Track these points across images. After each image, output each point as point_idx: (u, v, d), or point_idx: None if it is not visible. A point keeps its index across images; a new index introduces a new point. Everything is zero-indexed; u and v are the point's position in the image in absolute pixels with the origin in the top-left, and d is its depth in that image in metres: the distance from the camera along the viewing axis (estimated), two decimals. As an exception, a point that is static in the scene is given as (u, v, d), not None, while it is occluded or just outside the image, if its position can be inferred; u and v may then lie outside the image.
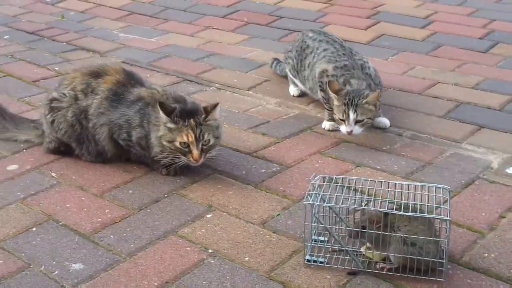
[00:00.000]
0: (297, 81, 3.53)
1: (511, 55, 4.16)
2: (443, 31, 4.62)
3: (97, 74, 2.89)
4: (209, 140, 2.64)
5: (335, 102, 2.99)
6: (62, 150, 2.93)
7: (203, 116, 2.64)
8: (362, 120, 2.94)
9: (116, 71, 2.90)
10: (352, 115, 2.92)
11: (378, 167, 2.79)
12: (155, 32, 4.95)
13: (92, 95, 2.82)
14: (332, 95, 2.99)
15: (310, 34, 3.42)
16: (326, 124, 3.18)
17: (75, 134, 2.83)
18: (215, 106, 2.67)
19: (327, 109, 3.19)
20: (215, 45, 4.60)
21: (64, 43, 4.72)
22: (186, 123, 2.60)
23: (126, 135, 2.75)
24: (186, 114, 2.62)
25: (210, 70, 4.08)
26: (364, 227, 2.06)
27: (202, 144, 2.61)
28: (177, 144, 2.61)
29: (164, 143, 2.63)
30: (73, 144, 2.87)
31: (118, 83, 2.84)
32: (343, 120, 2.95)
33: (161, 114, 2.59)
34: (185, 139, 2.59)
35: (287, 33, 4.78)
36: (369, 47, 4.40)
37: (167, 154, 2.65)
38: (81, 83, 2.86)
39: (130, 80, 2.88)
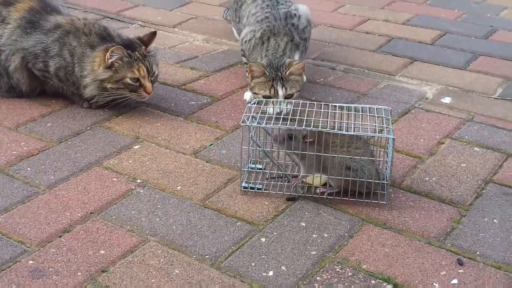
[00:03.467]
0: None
1: (439, -6, 4.13)
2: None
3: (7, 2, 2.62)
4: (154, 71, 2.47)
5: (256, 80, 2.49)
6: (-29, 85, 2.67)
7: (143, 47, 2.45)
8: (292, 95, 2.49)
9: (29, -2, 2.64)
10: (281, 91, 2.46)
11: (313, 98, 2.68)
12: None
13: (3, 25, 2.56)
14: (253, 81, 2.51)
15: None
16: (248, 96, 2.66)
17: (-15, 65, 2.57)
18: (152, 35, 2.49)
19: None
20: (136, -16, 4.34)
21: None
22: (134, 58, 2.40)
23: (43, 65, 2.51)
24: (127, 48, 2.41)
25: (132, 8, 3.85)
26: (291, 137, 1.93)
27: (150, 76, 2.44)
28: (128, 80, 2.40)
29: (110, 85, 2.41)
30: (-16, 77, 2.61)
31: (31, 10, 2.59)
32: (269, 97, 2.45)
33: (109, 55, 2.37)
34: (136, 74, 2.40)
35: (212, -28, 4.57)
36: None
37: (108, 94, 2.45)
38: (-10, 12, 2.59)
39: (46, 7, 2.63)
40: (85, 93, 2.48)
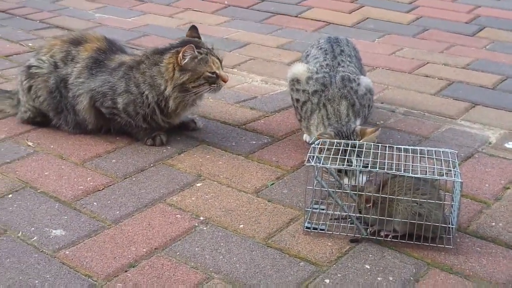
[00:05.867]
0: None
1: (498, 38, 4.10)
2: (429, 16, 4.54)
3: (77, 41, 2.72)
4: (221, 60, 2.61)
5: (325, 152, 2.05)
6: (38, 120, 2.75)
7: (202, 42, 2.60)
8: (367, 165, 2.00)
9: (97, 38, 2.74)
10: (356, 163, 2.13)
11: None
12: (132, 13, 4.79)
13: (72, 63, 2.65)
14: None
15: (321, 41, 2.75)
16: (307, 137, 2.59)
17: (54, 102, 2.65)
18: (194, 28, 2.66)
19: (299, 120, 2.60)
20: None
21: (38, 21, 4.53)
22: (205, 53, 2.52)
23: (111, 103, 2.58)
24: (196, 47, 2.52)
25: (192, 49, 3.92)
26: (360, 211, 1.97)
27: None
28: (207, 74, 2.51)
29: (192, 85, 2.50)
30: (51, 113, 2.69)
31: (98, 50, 2.67)
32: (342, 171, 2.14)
33: (182, 56, 2.46)
34: (213, 67, 2.52)
35: (269, 15, 4.66)
36: (354, 30, 4.30)
37: (190, 95, 2.53)
38: (61, 51, 2.68)
39: (112, 47, 2.72)
40: (170, 106, 2.54)
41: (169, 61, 2.50)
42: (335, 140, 2.14)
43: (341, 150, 2.11)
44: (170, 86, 2.50)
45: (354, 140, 2.22)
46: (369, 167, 1.95)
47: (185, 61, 2.46)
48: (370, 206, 1.94)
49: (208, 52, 2.54)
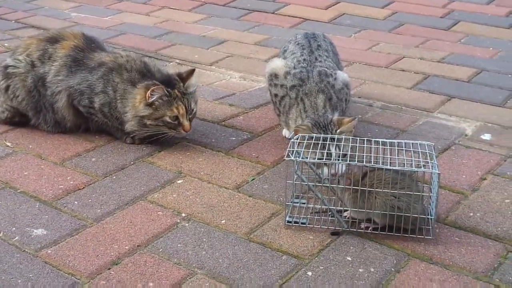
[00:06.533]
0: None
1: (473, 32, 4.15)
2: (404, 11, 4.58)
3: (54, 39, 2.70)
4: (193, 109, 2.52)
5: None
6: (16, 120, 2.74)
7: (181, 84, 2.50)
8: (346, 154, 2.06)
9: (74, 36, 2.72)
10: (334, 152, 2.14)
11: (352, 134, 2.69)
12: (108, 12, 4.76)
13: (49, 62, 2.64)
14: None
15: (298, 36, 2.75)
16: (287, 132, 2.63)
17: (32, 101, 2.64)
18: (191, 72, 2.53)
19: (278, 115, 2.62)
20: (172, 23, 4.45)
21: (13, 21, 4.49)
22: (173, 96, 2.45)
23: (88, 101, 2.57)
24: (166, 84, 2.46)
25: (170, 47, 3.93)
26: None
27: (189, 114, 2.48)
28: (167, 119, 2.45)
29: (149, 122, 2.46)
30: (30, 113, 2.67)
31: (76, 48, 2.66)
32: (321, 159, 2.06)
33: (152, 94, 2.42)
34: (175, 112, 2.44)
35: (246, 12, 4.67)
36: (330, 25, 4.33)
37: (147, 130, 2.49)
38: (37, 50, 2.67)
39: (90, 44, 2.70)
40: (126, 128, 2.52)
41: (139, 92, 2.47)
42: (314, 134, 2.16)
43: (320, 141, 2.12)
44: (131, 113, 2.48)
45: (332, 129, 2.24)
46: (348, 157, 1.97)
47: (151, 99, 2.43)
48: (348, 188, 1.95)
49: (177, 97, 2.46)
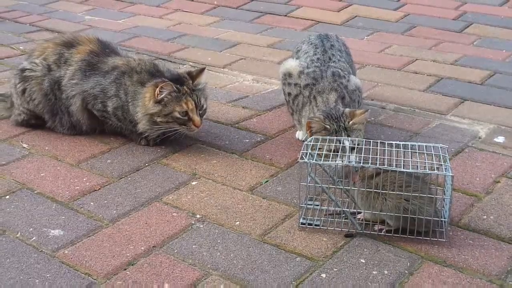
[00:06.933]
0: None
1: (486, 34, 4.15)
2: (416, 13, 4.59)
3: (69, 44, 2.73)
4: (203, 105, 2.53)
5: (316, 135, 2.22)
6: (33, 123, 2.77)
7: (190, 81, 2.52)
8: (358, 146, 2.15)
9: (89, 40, 2.75)
10: (347, 142, 2.19)
11: (365, 137, 2.69)
12: (122, 15, 4.80)
13: (65, 66, 2.67)
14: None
15: (311, 37, 2.79)
16: (300, 134, 2.66)
17: (48, 104, 2.67)
18: (201, 71, 2.55)
19: (291, 113, 2.66)
20: (185, 26, 4.48)
21: (28, 24, 4.53)
22: (182, 92, 2.47)
23: (101, 106, 2.60)
24: (175, 82, 2.48)
25: (183, 49, 3.96)
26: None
27: (199, 110, 2.50)
28: (176, 114, 2.46)
29: (159, 119, 2.48)
30: (46, 115, 2.70)
31: (92, 53, 2.69)
32: (333, 151, 2.14)
33: (159, 91, 2.44)
34: (185, 107, 2.46)
35: (258, 15, 4.69)
36: (343, 28, 4.34)
37: (158, 128, 2.51)
38: (54, 54, 2.70)
39: (105, 49, 2.73)
40: (138, 128, 2.55)
41: (148, 90, 2.49)
42: (327, 137, 2.17)
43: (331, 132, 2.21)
44: (141, 112, 2.50)
45: (344, 121, 2.27)
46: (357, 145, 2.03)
47: (160, 96, 2.44)
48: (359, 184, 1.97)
49: (186, 92, 2.48)
